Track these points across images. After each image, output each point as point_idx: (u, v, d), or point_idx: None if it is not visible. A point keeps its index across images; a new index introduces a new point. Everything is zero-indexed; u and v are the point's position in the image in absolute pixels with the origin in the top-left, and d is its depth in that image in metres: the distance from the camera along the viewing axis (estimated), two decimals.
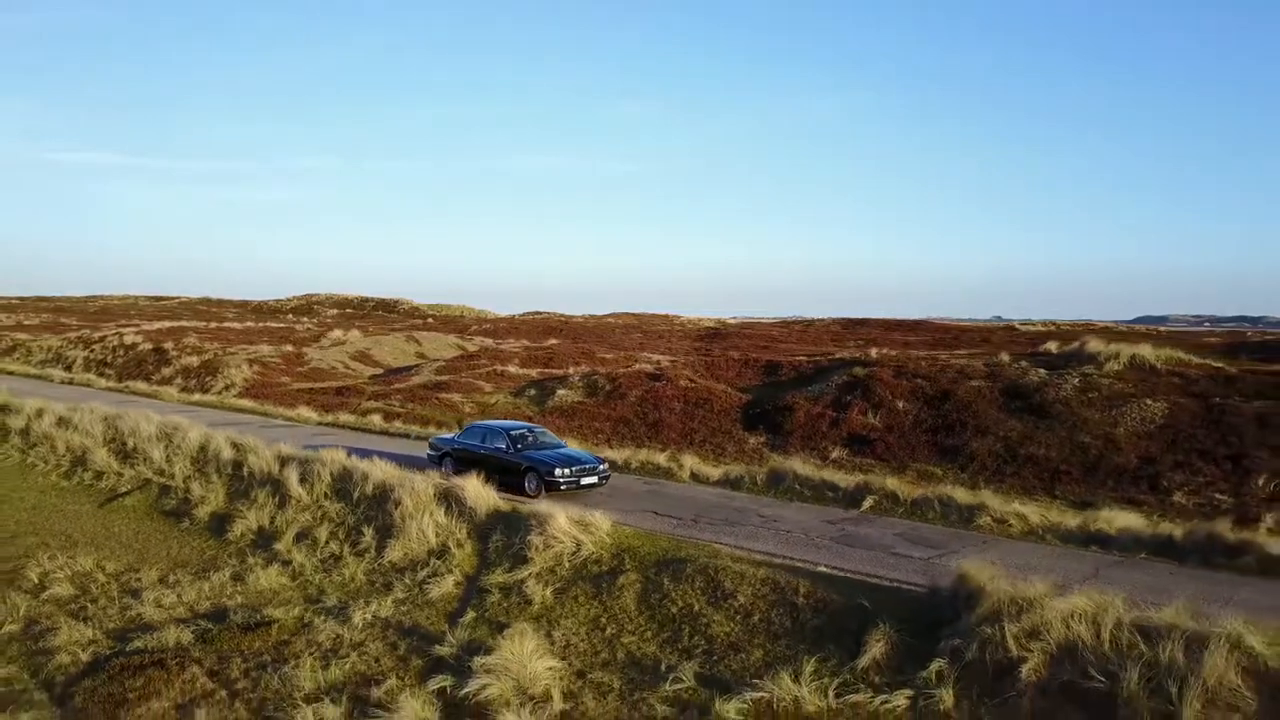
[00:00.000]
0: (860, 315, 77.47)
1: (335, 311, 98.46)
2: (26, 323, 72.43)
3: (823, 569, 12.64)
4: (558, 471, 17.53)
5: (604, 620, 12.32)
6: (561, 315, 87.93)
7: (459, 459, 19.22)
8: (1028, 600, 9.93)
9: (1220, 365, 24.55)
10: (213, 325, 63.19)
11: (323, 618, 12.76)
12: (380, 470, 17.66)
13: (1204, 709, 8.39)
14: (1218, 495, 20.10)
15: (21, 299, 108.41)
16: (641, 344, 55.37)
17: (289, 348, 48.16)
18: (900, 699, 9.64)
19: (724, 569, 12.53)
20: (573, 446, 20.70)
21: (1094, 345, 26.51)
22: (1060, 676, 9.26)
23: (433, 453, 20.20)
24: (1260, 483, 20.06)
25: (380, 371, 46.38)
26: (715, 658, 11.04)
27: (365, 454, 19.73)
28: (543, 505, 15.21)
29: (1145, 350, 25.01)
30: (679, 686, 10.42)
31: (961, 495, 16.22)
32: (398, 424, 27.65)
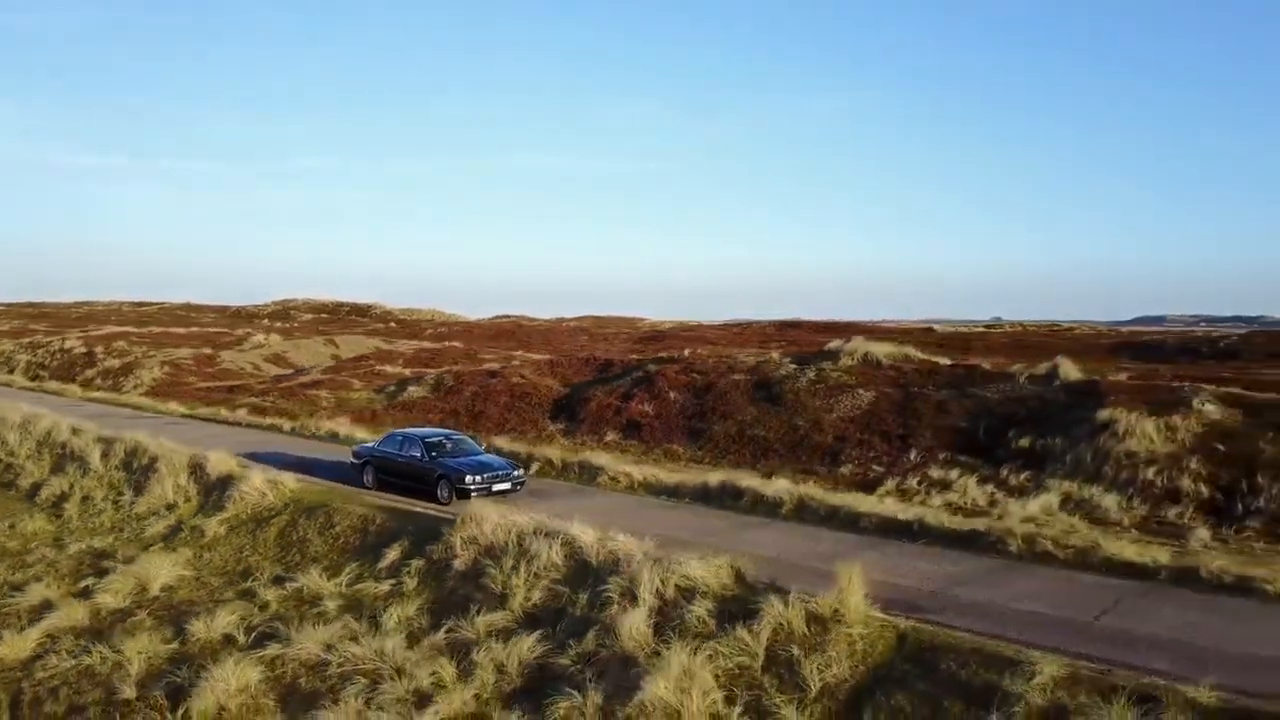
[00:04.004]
0: (850, 319, 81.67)
1: (310, 316, 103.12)
2: None
3: (419, 509, 17.18)
4: (468, 479, 17.90)
5: (247, 546, 16.95)
6: (519, 319, 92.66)
7: (379, 468, 19.58)
8: (480, 518, 14.46)
9: (935, 360, 28.89)
10: (155, 330, 68.24)
11: (45, 547, 17.48)
12: (157, 446, 22.31)
13: (531, 576, 12.92)
14: (875, 466, 24.54)
15: (9, 305, 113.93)
16: (583, 345, 60.01)
17: (207, 350, 53.05)
18: (386, 585, 14.23)
19: (340, 510, 17.15)
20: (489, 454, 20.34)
21: (853, 344, 30.86)
22: (477, 565, 13.81)
23: (355, 461, 20.34)
24: (912, 456, 24.47)
25: (289, 372, 51.12)
26: (297, 566, 15.62)
27: (191, 437, 24.40)
28: (251, 468, 19.79)
29: (876, 348, 29.39)
30: (257, 583, 15.03)
31: (596, 459, 20.74)
32: (243, 414, 32.37)
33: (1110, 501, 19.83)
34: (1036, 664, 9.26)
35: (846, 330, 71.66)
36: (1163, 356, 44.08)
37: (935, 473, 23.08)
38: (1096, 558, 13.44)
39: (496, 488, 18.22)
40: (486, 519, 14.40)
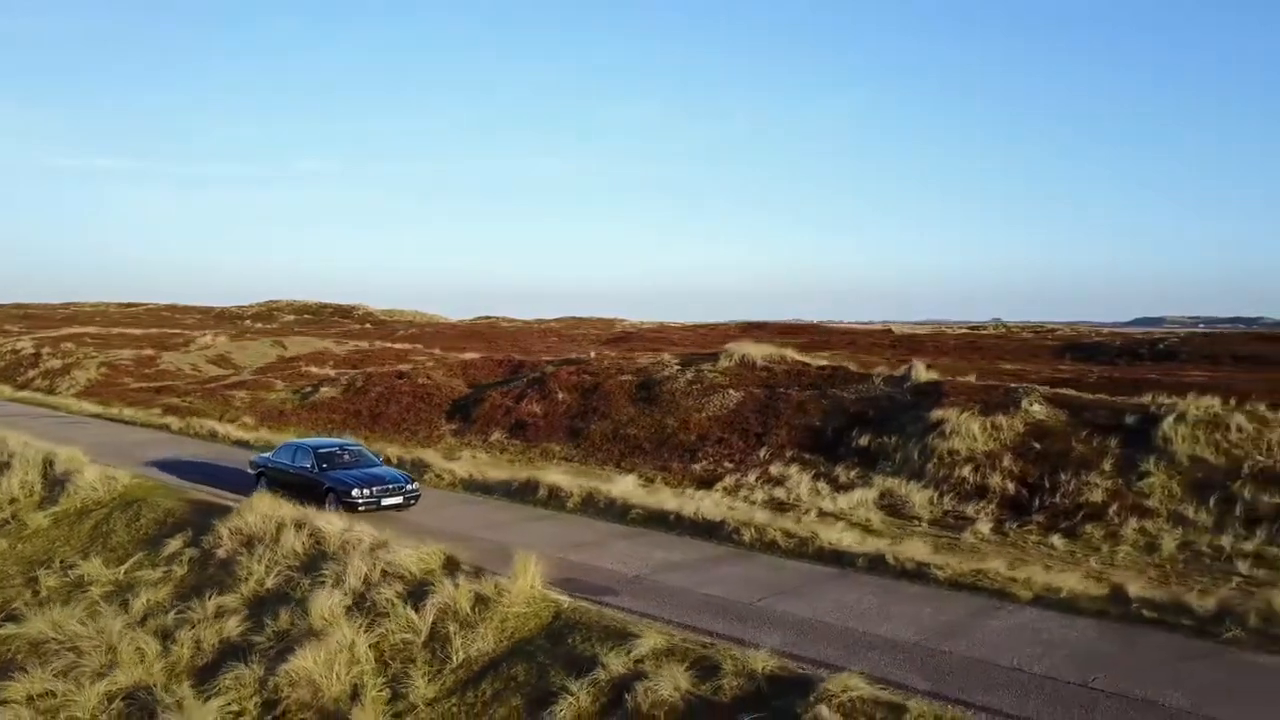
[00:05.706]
0: (847, 320, 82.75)
1: (292, 317, 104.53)
2: None
3: (225, 501, 18.21)
4: (355, 492, 17.37)
5: (61, 538, 18.01)
6: (496, 320, 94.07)
7: (272, 479, 19.13)
8: (247, 510, 15.49)
9: (806, 362, 29.82)
10: (113, 331, 69.56)
11: None
12: (18, 444, 23.37)
13: (271, 563, 13.93)
14: (726, 464, 25.46)
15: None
16: (551, 346, 61.15)
17: (148, 351, 54.23)
18: (159, 572, 15.25)
19: (151, 504, 18.20)
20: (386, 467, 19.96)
21: (733, 346, 31.82)
22: (235, 550, 14.80)
23: (252, 471, 20.12)
24: (762, 454, 25.40)
25: (228, 373, 52.25)
26: (94, 556, 16.64)
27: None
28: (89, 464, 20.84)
29: (754, 350, 30.33)
30: (49, 571, 16.05)
31: (427, 456, 21.76)
32: (155, 413, 33.52)
33: (921, 497, 20.73)
34: (641, 637, 10.20)
35: (809, 331, 72.92)
36: (1105, 358, 45.07)
37: (776, 470, 24.01)
38: (813, 547, 14.36)
39: (386, 502, 17.61)
40: (254, 511, 15.41)
